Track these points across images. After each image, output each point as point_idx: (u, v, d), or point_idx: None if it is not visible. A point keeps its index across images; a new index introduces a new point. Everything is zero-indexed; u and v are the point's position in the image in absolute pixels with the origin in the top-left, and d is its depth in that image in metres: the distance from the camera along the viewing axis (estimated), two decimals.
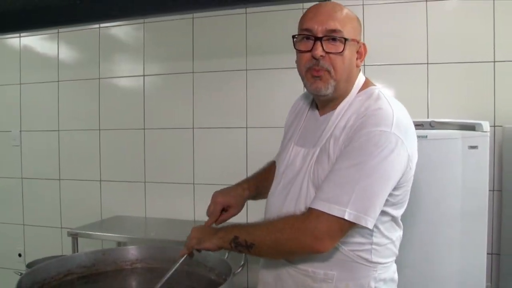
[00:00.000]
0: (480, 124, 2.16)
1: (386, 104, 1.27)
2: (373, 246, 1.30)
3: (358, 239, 1.29)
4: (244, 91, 3.06)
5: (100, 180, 3.44)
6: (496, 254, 2.62)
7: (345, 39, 1.27)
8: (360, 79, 1.38)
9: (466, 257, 2.16)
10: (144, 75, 3.33)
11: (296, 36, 1.34)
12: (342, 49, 1.27)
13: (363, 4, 2.84)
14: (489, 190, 2.28)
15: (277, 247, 1.25)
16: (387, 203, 1.26)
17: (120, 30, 3.39)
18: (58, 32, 3.53)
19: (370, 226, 1.19)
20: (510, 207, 2.46)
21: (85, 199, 3.47)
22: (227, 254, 1.42)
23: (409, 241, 2.17)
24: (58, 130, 3.53)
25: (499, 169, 2.61)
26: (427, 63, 2.74)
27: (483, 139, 2.14)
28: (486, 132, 2.14)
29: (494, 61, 2.63)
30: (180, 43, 3.22)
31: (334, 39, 1.28)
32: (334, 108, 1.35)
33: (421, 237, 2.18)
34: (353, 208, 1.17)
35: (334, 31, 1.27)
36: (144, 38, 3.31)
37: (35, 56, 3.62)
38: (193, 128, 3.20)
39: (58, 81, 3.54)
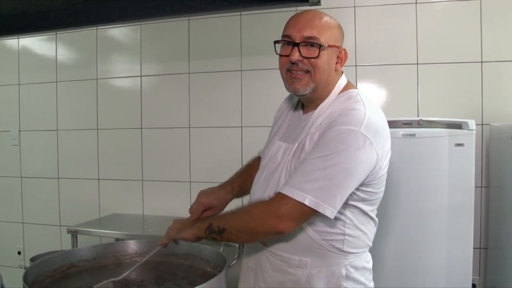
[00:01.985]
0: (466, 123, 2.23)
1: (361, 105, 1.34)
2: (346, 237, 1.38)
3: (331, 229, 1.37)
4: (239, 91, 3.12)
5: (98, 179, 3.49)
6: (484, 249, 2.70)
7: (320, 46, 1.36)
8: (341, 82, 1.46)
9: (452, 251, 2.23)
10: (141, 76, 3.38)
11: (278, 41, 1.44)
12: (317, 54, 1.36)
13: (354, 6, 2.91)
14: (477, 187, 2.36)
15: (244, 229, 1.35)
16: (357, 198, 1.36)
17: (117, 31, 3.44)
18: (56, 33, 3.58)
19: (329, 214, 1.26)
20: (496, 202, 2.54)
21: (84, 198, 3.52)
22: (222, 247, 1.49)
23: (397, 235, 2.26)
24: (57, 130, 3.59)
25: (486, 166, 2.69)
26: (417, 64, 2.82)
27: (469, 137, 2.22)
28: (472, 130, 2.22)
29: (482, 62, 2.71)
30: (176, 44, 3.28)
31: (311, 45, 1.37)
32: (316, 107, 1.45)
33: (408, 231, 2.26)
34: (314, 196, 1.25)
35: (310, 37, 1.36)
36: (141, 39, 3.37)
37: (34, 57, 3.66)
38: (189, 127, 3.27)
39: (56, 82, 3.59)
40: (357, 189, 1.34)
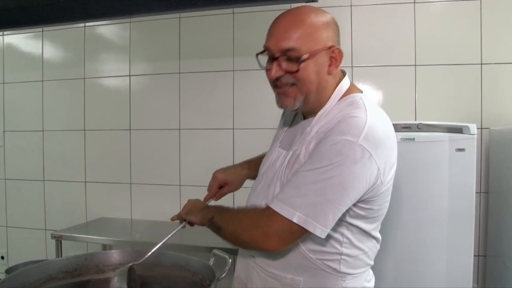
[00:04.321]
0: (467, 127, 2.16)
1: (362, 112, 1.21)
2: (343, 257, 1.27)
3: (326, 248, 1.26)
4: (231, 92, 3.03)
5: (85, 181, 3.39)
6: (483, 256, 2.63)
7: (299, 58, 1.22)
8: (343, 85, 1.33)
9: (453, 258, 2.16)
10: (130, 75, 3.29)
11: (260, 54, 1.31)
12: (296, 68, 1.23)
13: (351, 5, 2.83)
14: (476, 192, 2.28)
15: (235, 235, 1.27)
16: (355, 215, 1.24)
17: (106, 29, 3.34)
18: (42, 31, 3.48)
19: (319, 234, 1.15)
20: (496, 209, 2.47)
21: (70, 201, 3.42)
22: (212, 259, 1.40)
23: (396, 241, 2.19)
24: (43, 131, 3.48)
25: (485, 172, 2.62)
26: (415, 65, 2.74)
27: (471, 142, 2.15)
28: (473, 134, 2.15)
29: (481, 64, 2.64)
30: (166, 43, 3.19)
31: (290, 58, 1.24)
32: (316, 114, 1.32)
33: (407, 238, 2.19)
34: (304, 212, 1.14)
35: (288, 50, 1.23)
36: (130, 37, 3.27)
37: (19, 55, 3.56)
38: (179, 129, 3.17)
39: (42, 81, 3.49)
40: (354, 205, 1.21)
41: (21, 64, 3.56)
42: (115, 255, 1.50)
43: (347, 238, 1.26)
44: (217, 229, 1.31)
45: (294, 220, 1.14)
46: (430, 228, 2.17)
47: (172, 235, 1.41)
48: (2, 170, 3.62)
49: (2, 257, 3.62)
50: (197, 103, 3.13)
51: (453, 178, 2.15)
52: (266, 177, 1.39)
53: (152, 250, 1.38)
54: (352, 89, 1.34)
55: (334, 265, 1.27)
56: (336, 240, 1.25)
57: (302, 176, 1.17)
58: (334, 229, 1.20)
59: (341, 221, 1.21)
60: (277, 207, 1.17)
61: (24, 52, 3.55)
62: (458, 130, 2.18)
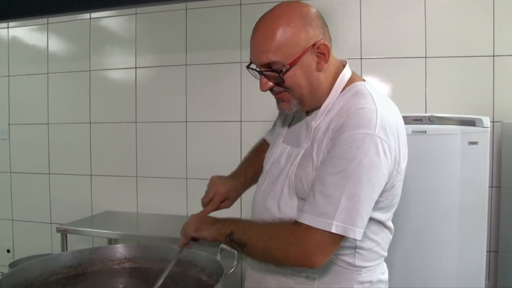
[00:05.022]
0: (480, 120, 2.11)
1: (370, 102, 1.18)
2: (357, 250, 1.25)
3: (342, 243, 1.20)
4: (238, 84, 2.99)
5: (91, 175, 3.36)
6: (494, 252, 2.58)
7: (280, 71, 1.19)
8: (344, 75, 1.29)
9: (464, 254, 2.12)
10: (136, 67, 3.25)
11: (249, 67, 1.29)
12: (281, 80, 1.21)
13: None
14: (488, 187, 2.23)
15: (266, 255, 1.19)
16: (374, 207, 1.20)
17: (111, 21, 3.30)
18: (47, 23, 3.44)
19: (359, 237, 1.12)
20: (508, 204, 2.42)
21: (75, 194, 3.40)
22: (219, 254, 1.36)
23: (407, 236, 2.15)
24: (48, 124, 3.45)
25: (497, 165, 2.56)
26: (425, 57, 2.69)
27: (484, 135, 2.10)
28: (486, 127, 2.10)
29: (494, 55, 2.58)
30: (173, 34, 3.15)
31: (272, 71, 1.21)
32: (319, 107, 1.29)
33: (418, 232, 2.15)
34: (340, 220, 1.09)
35: (268, 64, 1.21)
36: (136, 29, 3.23)
37: (24, 47, 3.52)
38: (186, 121, 3.13)
39: (47, 73, 3.46)
40: None
41: (26, 57, 3.52)
42: (120, 250, 1.47)
43: None
44: (240, 246, 1.21)
45: (333, 231, 1.09)
46: (441, 222, 2.13)
47: (176, 259, 1.33)
48: (8, 164, 3.60)
49: (8, 251, 3.61)
50: (204, 95, 3.09)
51: (465, 172, 2.10)
52: (271, 174, 1.35)
53: (159, 282, 1.25)
54: (354, 78, 1.31)
55: (349, 259, 1.25)
56: None
57: (328, 182, 1.12)
58: None
59: None
60: (311, 221, 1.11)
61: (29, 44, 3.51)
62: (470, 123, 2.13)
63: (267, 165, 1.40)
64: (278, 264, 1.23)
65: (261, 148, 1.65)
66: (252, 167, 1.63)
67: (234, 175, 1.62)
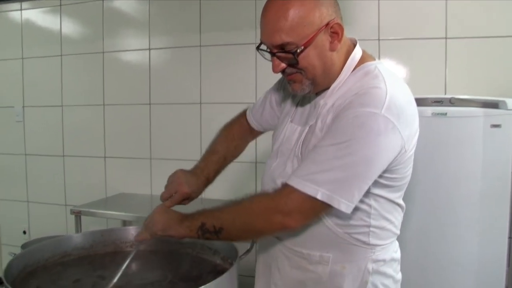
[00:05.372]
0: (504, 102, 2.03)
1: (380, 82, 1.16)
2: (371, 229, 1.24)
3: (355, 221, 1.23)
4: (253, 65, 2.93)
5: (105, 157, 3.35)
6: None
7: (294, 52, 1.16)
8: (355, 54, 1.26)
9: (485, 240, 2.05)
10: (149, 49, 3.21)
11: (259, 48, 1.24)
12: (295, 61, 1.18)
13: None
14: (511, 172, 2.17)
15: (246, 228, 1.19)
16: (381, 185, 1.21)
17: (124, 2, 3.26)
18: (60, 5, 3.41)
19: (344, 209, 1.11)
20: None
21: (90, 176, 3.40)
22: None
23: (424, 222, 2.10)
24: (62, 106, 3.44)
25: None
26: (446, 38, 2.59)
27: (507, 118, 2.02)
28: (510, 110, 2.01)
29: None
30: (187, 15, 3.09)
31: (285, 52, 1.18)
32: (328, 87, 1.26)
33: (438, 218, 2.08)
34: (328, 188, 1.09)
35: (281, 45, 1.17)
36: (150, 10, 3.18)
37: (37, 29, 3.50)
38: (200, 103, 3.09)
39: (61, 55, 3.43)
40: (380, 176, 1.17)
41: (40, 39, 3.50)
42: (132, 232, 1.45)
43: (375, 209, 1.24)
44: (216, 233, 1.19)
45: (318, 197, 1.09)
46: (462, 208, 2.06)
47: (133, 255, 1.28)
48: (22, 146, 3.60)
49: (24, 232, 3.64)
50: (219, 76, 3.04)
51: (487, 156, 2.03)
52: (282, 154, 1.33)
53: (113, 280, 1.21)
54: (365, 57, 1.28)
55: (363, 237, 1.24)
56: (364, 212, 1.22)
57: (323, 151, 1.13)
58: (361, 201, 1.17)
59: (367, 193, 1.18)
60: (298, 184, 1.12)
61: (42, 27, 3.49)
62: (493, 105, 2.05)
63: (276, 144, 1.39)
64: (259, 235, 1.26)
65: (231, 135, 1.65)
66: (215, 163, 1.60)
67: (198, 172, 1.57)
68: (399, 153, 1.15)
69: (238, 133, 1.66)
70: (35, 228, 3.60)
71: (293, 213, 1.12)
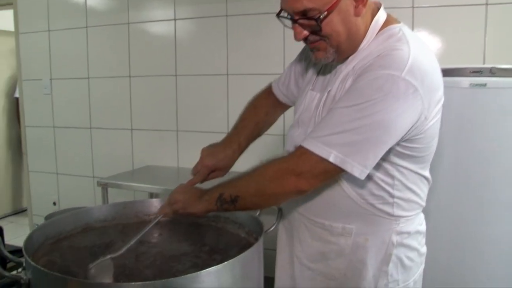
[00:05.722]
0: None
1: (404, 44, 1.10)
2: (395, 200, 1.20)
3: (378, 192, 1.19)
4: (281, 35, 2.83)
5: (131, 129, 3.34)
6: None
7: (317, 19, 1.10)
8: (379, 18, 1.19)
9: None
10: (175, 19, 3.14)
11: (279, 16, 1.20)
12: (318, 28, 1.12)
13: None
14: None
15: (260, 193, 1.15)
16: (403, 155, 1.16)
17: None
18: None
19: (358, 174, 1.07)
20: None
21: (116, 149, 3.40)
22: (258, 211, 1.27)
23: (460, 197, 1.99)
24: (88, 78, 3.43)
25: None
26: (486, 4, 2.45)
27: None
28: None
29: None
30: None
31: (308, 18, 1.11)
32: (353, 54, 1.20)
33: (474, 195, 1.98)
34: (340, 151, 1.05)
35: (303, 11, 1.11)
36: None
37: (63, 2, 3.48)
38: (227, 74, 3.03)
39: (86, 27, 3.41)
40: (400, 145, 1.13)
41: (65, 11, 3.48)
42: (155, 204, 1.42)
43: (398, 180, 1.19)
44: (232, 202, 1.16)
45: (330, 159, 1.05)
46: (501, 184, 1.95)
47: (153, 225, 1.24)
48: (51, 118, 3.63)
49: (54, 203, 3.69)
50: (246, 47, 2.96)
51: None
52: (302, 123, 1.29)
53: (129, 244, 1.15)
54: (389, 20, 1.21)
55: (387, 208, 1.21)
56: (387, 183, 1.18)
57: (339, 113, 1.08)
58: (384, 171, 1.16)
59: (389, 163, 1.15)
60: (311, 145, 1.08)
61: None
62: None
63: (297, 113, 1.34)
64: (274, 201, 1.21)
65: (259, 104, 1.60)
66: (244, 131, 1.56)
67: (226, 143, 1.54)
68: (418, 120, 1.09)
69: (267, 103, 1.61)
70: (64, 199, 3.65)
71: (305, 175, 1.09)
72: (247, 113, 1.60)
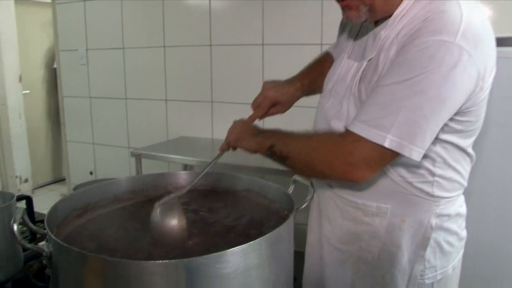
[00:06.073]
0: None
1: (454, 5, 0.97)
2: (436, 179, 1.10)
3: (418, 169, 1.09)
4: (319, 2, 2.71)
5: (166, 100, 3.31)
6: None
7: None
8: None
9: None
10: None
11: None
12: None
13: None
14: None
15: (309, 166, 1.10)
16: (451, 130, 1.06)
17: None
18: None
19: (415, 157, 0.97)
20: None
21: (151, 119, 3.40)
22: (291, 186, 1.20)
23: (507, 178, 1.87)
24: (123, 48, 3.41)
25: None
26: None
27: None
28: None
29: None
30: None
31: None
32: (391, 15, 1.08)
33: None
34: (396, 135, 0.96)
35: None
36: None
37: None
38: (263, 44, 2.94)
39: None
40: (450, 119, 1.02)
41: None
42: (184, 176, 1.37)
43: (441, 157, 1.09)
44: (281, 159, 1.12)
45: (386, 145, 0.96)
46: None
47: (213, 163, 1.25)
48: (87, 89, 3.65)
49: (91, 173, 3.73)
50: (282, 16, 2.85)
51: None
52: (336, 94, 1.19)
53: (198, 177, 1.22)
54: None
55: (426, 188, 1.10)
56: (429, 160, 1.08)
57: (389, 90, 0.98)
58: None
59: (434, 139, 1.03)
60: (362, 130, 0.98)
61: None
62: None
63: (329, 83, 1.24)
64: (322, 177, 1.18)
65: (324, 60, 1.51)
66: (311, 75, 1.49)
67: (289, 80, 1.48)
68: (474, 91, 0.99)
69: (329, 60, 1.50)
70: (100, 169, 3.69)
71: (359, 165, 1.00)
72: (311, 65, 1.54)
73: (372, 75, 1.07)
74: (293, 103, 1.47)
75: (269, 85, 1.44)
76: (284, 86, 1.44)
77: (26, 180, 4.73)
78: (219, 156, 1.29)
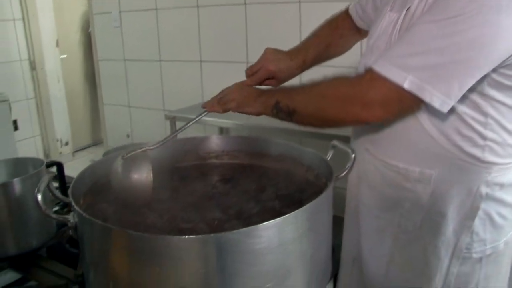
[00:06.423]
0: None
1: None
2: (487, 142, 1.00)
3: (467, 131, 0.99)
4: None
5: (200, 61, 3.23)
6: None
7: None
8: None
9: None
10: None
11: None
12: None
13: None
14: None
15: (319, 116, 1.05)
16: (501, 87, 0.95)
17: None
18: None
19: (438, 105, 0.89)
20: None
21: (186, 81, 3.33)
22: (330, 152, 1.12)
23: None
24: (156, 9, 3.33)
25: None
26: None
27: None
28: None
29: None
30: None
31: None
32: None
33: None
34: (419, 76, 0.88)
35: None
36: None
37: None
38: (299, 2, 2.79)
39: None
40: (497, 72, 0.92)
41: None
42: (216, 141, 1.30)
43: (492, 117, 0.98)
44: (289, 115, 1.06)
45: (405, 86, 0.89)
46: None
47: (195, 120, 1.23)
48: (121, 51, 3.61)
49: (128, 136, 3.75)
50: None
51: None
52: (377, 49, 1.09)
53: (172, 134, 1.23)
54: None
55: (476, 152, 1.00)
56: (478, 121, 0.98)
57: (421, 29, 0.90)
58: (474, 106, 0.96)
59: (482, 95, 0.95)
60: (383, 68, 0.91)
61: None
62: None
63: (371, 39, 1.14)
64: (332, 125, 1.11)
65: (336, 23, 1.42)
66: (315, 49, 1.39)
67: (292, 54, 1.37)
68: None
69: (343, 25, 1.42)
70: (136, 132, 3.69)
71: (373, 105, 0.94)
72: (321, 31, 1.44)
73: (409, 23, 0.98)
74: (291, 79, 1.38)
75: (271, 56, 1.35)
76: (286, 61, 1.35)
77: (66, 143, 4.81)
78: (202, 115, 1.25)
